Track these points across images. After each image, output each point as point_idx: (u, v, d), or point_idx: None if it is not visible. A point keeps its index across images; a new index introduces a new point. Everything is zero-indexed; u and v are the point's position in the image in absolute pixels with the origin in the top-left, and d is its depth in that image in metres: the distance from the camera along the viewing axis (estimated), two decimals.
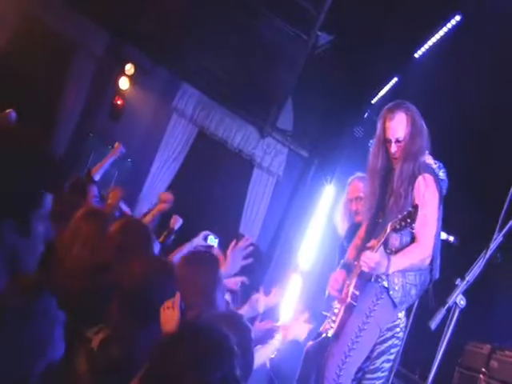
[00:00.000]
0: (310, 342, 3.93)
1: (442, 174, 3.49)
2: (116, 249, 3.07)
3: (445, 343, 2.57)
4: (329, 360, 3.40)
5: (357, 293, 3.41)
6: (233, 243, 3.50)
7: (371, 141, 7.21)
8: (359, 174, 4.44)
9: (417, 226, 3.32)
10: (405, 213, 3.20)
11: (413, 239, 3.43)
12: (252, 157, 8.98)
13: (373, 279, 3.42)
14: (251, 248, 3.38)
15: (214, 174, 8.76)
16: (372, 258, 3.27)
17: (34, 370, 1.77)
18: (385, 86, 7.58)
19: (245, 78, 8.31)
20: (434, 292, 3.41)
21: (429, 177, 3.40)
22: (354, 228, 4.16)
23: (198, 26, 7.92)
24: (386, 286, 3.39)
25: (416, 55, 6.86)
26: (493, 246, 2.63)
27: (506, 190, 2.56)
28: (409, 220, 3.17)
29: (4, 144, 1.84)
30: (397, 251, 3.41)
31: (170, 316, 2.62)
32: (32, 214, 1.66)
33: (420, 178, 3.38)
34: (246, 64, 8.19)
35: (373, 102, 7.85)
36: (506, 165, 2.59)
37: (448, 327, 2.59)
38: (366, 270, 3.33)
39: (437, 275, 3.46)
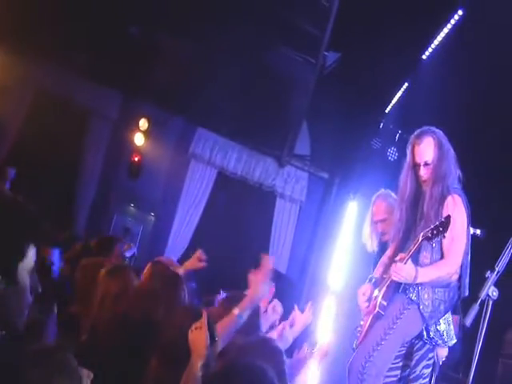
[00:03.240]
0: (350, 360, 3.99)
1: None
2: (147, 299, 3.17)
3: (482, 336, 2.62)
4: (352, 364, 3.53)
5: (385, 303, 3.55)
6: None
7: (390, 149, 7.45)
8: (382, 190, 4.58)
9: (445, 242, 3.50)
10: (437, 222, 3.35)
11: (442, 257, 3.57)
12: (273, 188, 9.10)
13: (401, 290, 3.57)
14: (272, 267, 3.43)
15: (237, 212, 8.88)
16: (402, 268, 3.43)
17: None
18: (396, 92, 7.65)
19: (258, 111, 8.46)
20: (463, 309, 3.50)
21: (457, 197, 3.58)
22: (381, 247, 4.28)
23: (205, 68, 8.17)
24: (415, 299, 3.54)
25: (424, 57, 6.95)
26: None
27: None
28: (441, 229, 3.32)
29: None
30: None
31: (198, 336, 2.71)
32: (17, 266, 1.80)
33: (449, 198, 3.56)
34: (257, 97, 8.35)
35: (386, 111, 7.92)
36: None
37: (484, 320, 2.65)
38: (395, 279, 3.47)
39: (466, 293, 3.58)
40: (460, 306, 3.63)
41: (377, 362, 3.47)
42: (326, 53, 7.77)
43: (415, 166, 3.72)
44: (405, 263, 3.44)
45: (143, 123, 9.08)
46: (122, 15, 8.01)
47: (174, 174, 9.18)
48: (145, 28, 8.60)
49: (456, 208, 3.53)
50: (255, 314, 3.44)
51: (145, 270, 3.63)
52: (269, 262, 3.29)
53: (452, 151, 3.71)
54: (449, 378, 5.41)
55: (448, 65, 6.47)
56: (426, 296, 3.52)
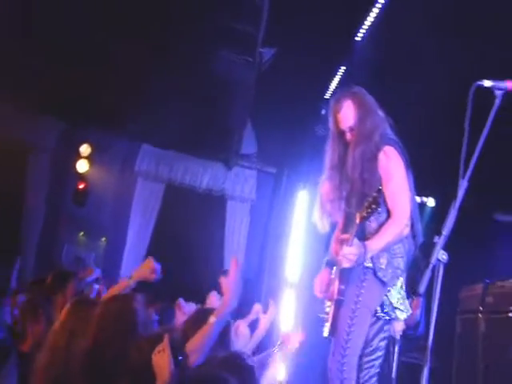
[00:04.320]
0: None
1: None
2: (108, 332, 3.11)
3: (437, 298, 2.61)
4: (330, 360, 3.42)
5: (343, 287, 3.43)
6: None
7: None
8: None
9: (388, 200, 3.42)
10: (369, 199, 3.28)
11: (389, 215, 3.46)
12: (223, 191, 9.19)
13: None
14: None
15: (189, 222, 8.83)
16: (349, 252, 3.32)
17: None
18: (334, 77, 7.66)
19: (200, 118, 8.38)
20: (423, 255, 3.37)
21: (389, 148, 3.47)
22: (333, 227, 4.21)
23: (141, 83, 8.06)
24: (370, 265, 3.42)
25: (357, 38, 6.98)
26: (460, 193, 2.70)
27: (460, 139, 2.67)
28: (374, 206, 3.27)
29: None
30: (377, 231, 3.45)
31: (161, 360, 2.73)
32: None
33: (380, 153, 3.46)
34: (198, 104, 8.27)
35: (326, 96, 7.94)
36: (458, 120, 2.72)
37: (437, 284, 2.64)
38: (346, 265, 3.36)
39: (420, 239, 3.53)
40: (420, 254, 3.56)
41: (352, 351, 3.37)
42: (261, 49, 7.77)
43: (341, 133, 3.63)
44: (350, 245, 3.32)
45: (85, 149, 9.01)
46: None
47: (121, 195, 9.14)
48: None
49: (390, 161, 3.44)
50: (226, 331, 3.38)
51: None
52: (236, 263, 3.19)
53: (375, 104, 3.59)
54: (421, 347, 5.52)
55: (382, 42, 6.53)
56: (381, 260, 3.42)
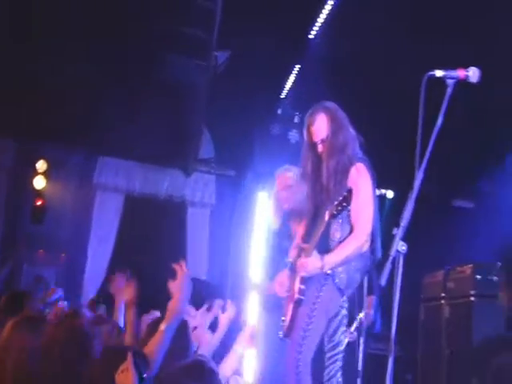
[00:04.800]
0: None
1: None
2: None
3: (399, 289, 2.62)
4: (286, 359, 3.53)
5: (303, 287, 3.56)
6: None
7: (291, 132, 7.58)
8: (286, 166, 4.69)
9: (352, 214, 3.59)
10: (340, 198, 3.42)
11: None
12: (183, 198, 9.21)
13: None
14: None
15: (150, 231, 8.83)
16: (306, 263, 3.50)
17: None
18: (289, 76, 7.69)
19: (156, 126, 8.31)
20: (377, 272, 3.50)
21: (360, 165, 3.65)
22: (286, 224, 4.40)
23: (95, 95, 7.93)
24: (330, 272, 3.55)
25: (310, 36, 6.98)
26: (416, 183, 2.73)
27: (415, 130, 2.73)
28: (345, 204, 3.41)
29: None
30: (340, 241, 3.61)
31: (125, 379, 2.61)
32: None
33: (352, 168, 3.62)
34: (154, 112, 8.20)
35: (282, 96, 8.01)
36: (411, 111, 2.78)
37: (397, 275, 2.66)
38: (303, 275, 3.54)
39: (379, 255, 3.66)
40: (375, 270, 3.75)
41: (307, 352, 3.47)
42: (215, 53, 7.74)
43: (313, 145, 3.79)
44: (309, 256, 3.48)
45: (41, 165, 8.87)
46: None
47: (80, 210, 9.05)
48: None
49: (360, 177, 3.60)
50: (184, 334, 3.32)
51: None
52: (182, 266, 3.22)
53: (347, 120, 3.77)
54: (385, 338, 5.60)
55: (336, 38, 6.64)
56: (340, 269, 3.55)
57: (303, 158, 3.87)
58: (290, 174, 4.54)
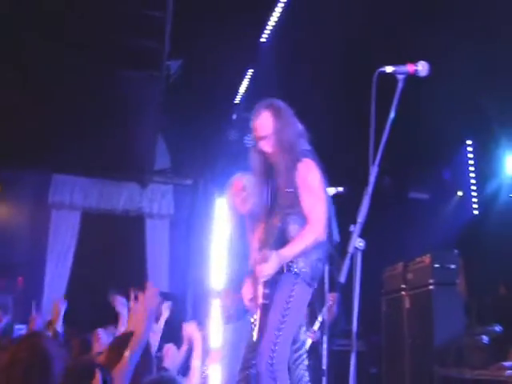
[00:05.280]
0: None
1: None
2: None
3: (358, 286, 2.61)
4: (257, 362, 3.47)
5: (267, 291, 3.54)
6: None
7: (247, 136, 7.56)
8: (240, 173, 4.67)
9: (306, 208, 3.56)
10: (290, 197, 3.50)
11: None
12: (140, 211, 9.17)
13: (285, 270, 3.56)
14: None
15: (109, 246, 8.72)
16: (263, 269, 3.48)
17: None
18: (242, 81, 7.69)
19: (110, 140, 8.22)
20: (339, 254, 3.52)
21: (307, 160, 3.64)
22: (242, 227, 4.39)
23: (45, 112, 7.77)
24: (297, 271, 3.57)
25: (262, 39, 6.99)
26: (372, 179, 2.73)
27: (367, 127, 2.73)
28: (296, 202, 3.50)
29: None
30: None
31: None
32: None
33: (300, 164, 3.61)
34: (107, 126, 8.09)
35: (236, 101, 7.99)
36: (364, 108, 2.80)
37: (356, 272, 2.65)
38: (264, 279, 3.53)
39: (337, 238, 3.68)
40: (336, 253, 3.71)
41: (281, 352, 3.43)
42: (168, 62, 7.68)
43: (257, 142, 3.76)
44: (266, 261, 3.45)
45: None
46: None
47: (36, 230, 8.89)
48: None
49: (309, 172, 3.61)
50: (147, 355, 3.17)
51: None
52: (148, 287, 3.01)
53: (293, 117, 3.73)
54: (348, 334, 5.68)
55: (288, 40, 6.73)
56: (302, 264, 3.56)
57: (252, 156, 3.84)
58: (243, 178, 4.54)
